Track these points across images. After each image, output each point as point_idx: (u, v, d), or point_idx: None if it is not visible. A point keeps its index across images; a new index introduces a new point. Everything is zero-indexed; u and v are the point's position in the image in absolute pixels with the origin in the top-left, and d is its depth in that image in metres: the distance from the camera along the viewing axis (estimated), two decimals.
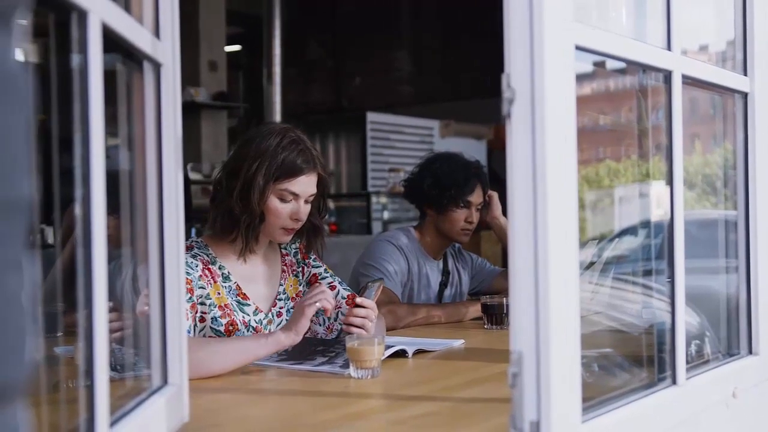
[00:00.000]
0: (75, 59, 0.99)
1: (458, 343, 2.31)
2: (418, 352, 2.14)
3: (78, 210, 0.98)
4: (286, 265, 2.35)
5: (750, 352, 1.77)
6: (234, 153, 2.22)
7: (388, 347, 2.00)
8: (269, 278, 2.30)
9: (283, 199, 2.16)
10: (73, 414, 1.06)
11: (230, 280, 2.19)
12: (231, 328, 2.14)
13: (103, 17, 1.01)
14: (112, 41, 1.09)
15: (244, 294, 2.20)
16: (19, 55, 0.59)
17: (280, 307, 2.29)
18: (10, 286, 0.56)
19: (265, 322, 2.23)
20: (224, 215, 2.17)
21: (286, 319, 2.26)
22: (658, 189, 1.90)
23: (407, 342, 2.14)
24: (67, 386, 1.38)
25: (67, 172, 1.00)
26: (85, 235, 0.98)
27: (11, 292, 0.56)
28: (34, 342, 0.60)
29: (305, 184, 2.17)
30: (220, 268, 2.19)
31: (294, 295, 2.33)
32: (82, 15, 0.97)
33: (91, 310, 0.99)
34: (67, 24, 0.98)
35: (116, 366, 1.35)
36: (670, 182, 1.50)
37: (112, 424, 1.07)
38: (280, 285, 2.31)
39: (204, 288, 2.11)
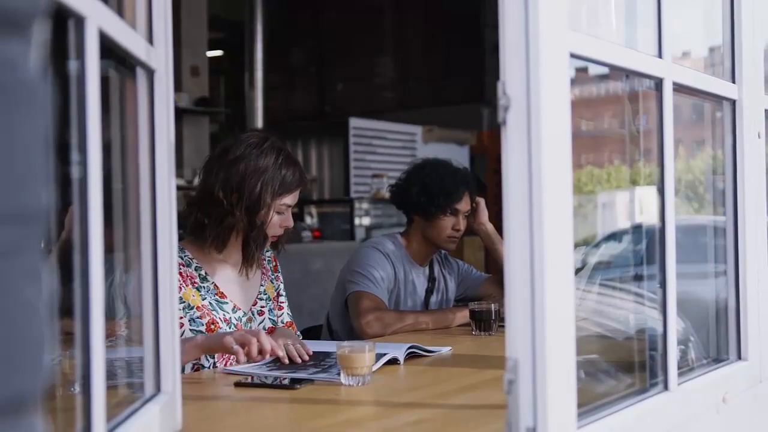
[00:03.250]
0: (71, 65, 0.98)
1: (446, 350, 2.32)
2: (410, 355, 2.15)
3: (75, 215, 0.98)
4: (264, 267, 2.44)
5: (739, 357, 1.78)
6: (225, 166, 2.23)
7: (379, 355, 2.00)
8: (249, 279, 2.36)
9: (279, 212, 2.28)
10: (68, 422, 1.05)
11: (208, 281, 2.26)
12: (213, 326, 2.20)
13: (100, 23, 1.00)
14: (107, 47, 1.08)
15: (222, 293, 2.27)
16: (37, 64, 0.58)
17: (262, 306, 2.38)
18: (29, 295, 0.55)
19: (244, 320, 2.31)
20: (227, 230, 2.24)
21: (269, 318, 2.38)
22: (642, 195, 1.91)
23: (397, 347, 2.14)
24: (56, 394, 1.37)
25: (61, 178, 0.99)
26: (82, 242, 0.98)
27: (30, 301, 0.55)
28: (51, 351, 0.59)
29: (297, 195, 2.32)
30: (196, 270, 2.25)
31: (272, 297, 2.43)
32: (80, 21, 0.97)
33: (88, 318, 0.98)
34: (63, 30, 0.98)
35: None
36: (661, 188, 1.50)
37: None
38: (261, 285, 2.40)
39: None
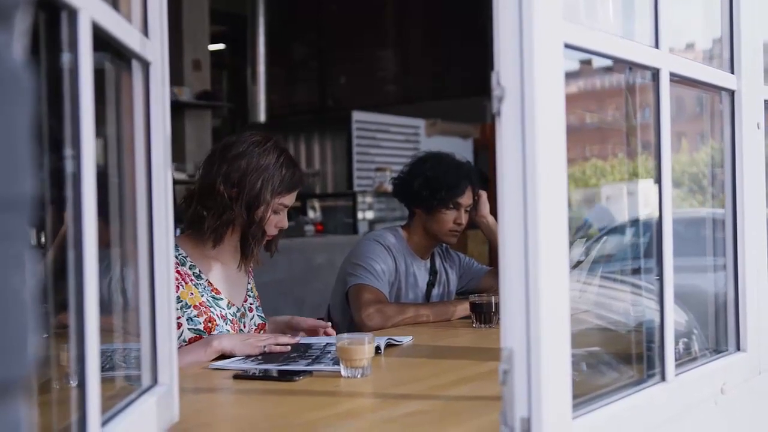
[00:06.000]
0: (64, 58, 0.98)
1: (408, 339, 2.35)
2: (389, 346, 2.20)
3: (69, 210, 0.98)
4: (250, 266, 2.47)
5: (738, 348, 1.78)
6: (227, 162, 2.24)
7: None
8: (238, 276, 2.39)
9: (276, 212, 2.29)
10: (63, 414, 1.05)
11: (202, 278, 2.28)
12: (210, 324, 2.22)
13: (93, 15, 1.00)
14: (101, 40, 1.08)
15: (217, 289, 2.30)
16: (20, 54, 0.59)
17: (250, 303, 2.42)
18: (13, 283, 0.56)
19: (238, 315, 2.34)
20: (225, 224, 2.25)
21: (258, 315, 2.42)
22: (644, 187, 1.91)
23: (379, 340, 2.16)
24: (53, 387, 1.37)
25: (54, 172, 0.99)
26: (76, 236, 0.98)
27: (14, 288, 0.56)
28: (36, 339, 0.60)
29: (294, 197, 2.34)
30: (190, 268, 2.27)
31: (256, 295, 2.47)
32: (73, 13, 0.97)
33: (83, 311, 0.98)
34: (56, 22, 0.98)
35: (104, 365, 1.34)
36: (658, 180, 1.50)
37: (104, 423, 1.06)
38: (248, 283, 2.44)
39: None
